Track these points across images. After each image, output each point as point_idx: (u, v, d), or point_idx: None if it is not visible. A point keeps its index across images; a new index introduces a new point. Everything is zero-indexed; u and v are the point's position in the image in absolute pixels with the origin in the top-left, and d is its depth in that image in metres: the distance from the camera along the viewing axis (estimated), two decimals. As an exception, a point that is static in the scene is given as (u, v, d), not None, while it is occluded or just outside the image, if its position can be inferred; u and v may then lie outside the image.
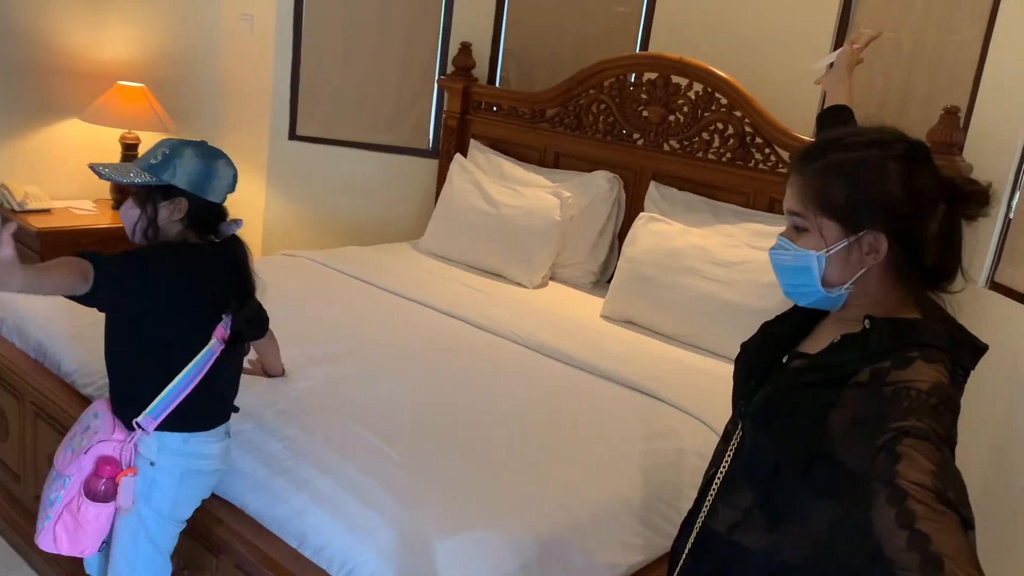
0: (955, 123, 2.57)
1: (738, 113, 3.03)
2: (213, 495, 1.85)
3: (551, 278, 3.29)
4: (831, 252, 1.15)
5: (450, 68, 3.79)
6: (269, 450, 1.88)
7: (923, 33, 2.92)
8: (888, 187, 1.13)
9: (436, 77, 3.90)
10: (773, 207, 2.95)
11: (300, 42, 3.82)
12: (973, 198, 1.16)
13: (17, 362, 2.37)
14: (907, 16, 2.95)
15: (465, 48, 3.71)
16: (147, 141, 3.73)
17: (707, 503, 1.31)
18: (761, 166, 3.01)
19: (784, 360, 1.26)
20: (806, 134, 2.99)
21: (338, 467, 1.82)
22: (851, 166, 1.15)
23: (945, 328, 1.15)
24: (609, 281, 3.13)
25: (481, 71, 3.84)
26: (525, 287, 3.18)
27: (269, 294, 2.77)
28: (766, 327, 1.36)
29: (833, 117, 1.89)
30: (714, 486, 1.30)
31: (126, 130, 3.62)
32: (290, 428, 1.94)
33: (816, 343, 1.25)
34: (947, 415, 1.04)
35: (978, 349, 1.15)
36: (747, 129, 3.02)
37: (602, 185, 3.28)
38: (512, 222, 3.23)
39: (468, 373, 2.38)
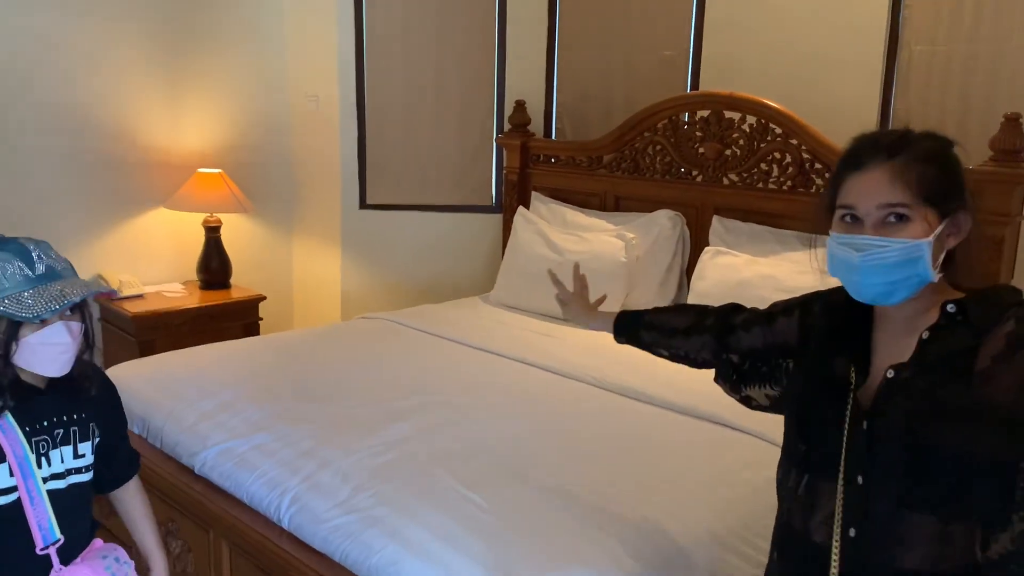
0: (1017, 129, 2.54)
1: (794, 141, 3.05)
2: (311, 548, 1.92)
3: (622, 320, 3.32)
4: (938, 235, 1.18)
5: (507, 126, 3.92)
6: (360, 503, 1.95)
7: (975, 44, 2.91)
8: (962, 170, 1.23)
9: (494, 136, 4.03)
10: (838, 230, 2.94)
11: (364, 116, 4.01)
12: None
13: (123, 438, 2.52)
14: (957, 29, 2.94)
15: (520, 106, 3.84)
16: (228, 223, 3.95)
17: (835, 564, 1.22)
18: (823, 191, 3.01)
19: (886, 375, 1.22)
20: (865, 155, 2.99)
21: (427, 515, 1.87)
22: (937, 154, 1.21)
23: (1002, 287, 1.22)
24: (680, 318, 3.13)
25: (537, 125, 3.96)
26: (600, 330, 3.21)
27: (349, 356, 2.89)
28: (812, 379, 1.34)
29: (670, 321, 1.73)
30: (835, 555, 1.22)
31: (208, 214, 3.84)
32: (377, 480, 2.01)
33: (889, 351, 1.24)
34: None
35: None
36: (805, 156, 3.03)
37: (664, 224, 3.32)
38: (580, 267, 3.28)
39: (547, 416, 2.43)
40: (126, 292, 3.67)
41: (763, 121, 3.12)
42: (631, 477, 2.10)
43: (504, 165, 3.95)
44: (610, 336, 3.29)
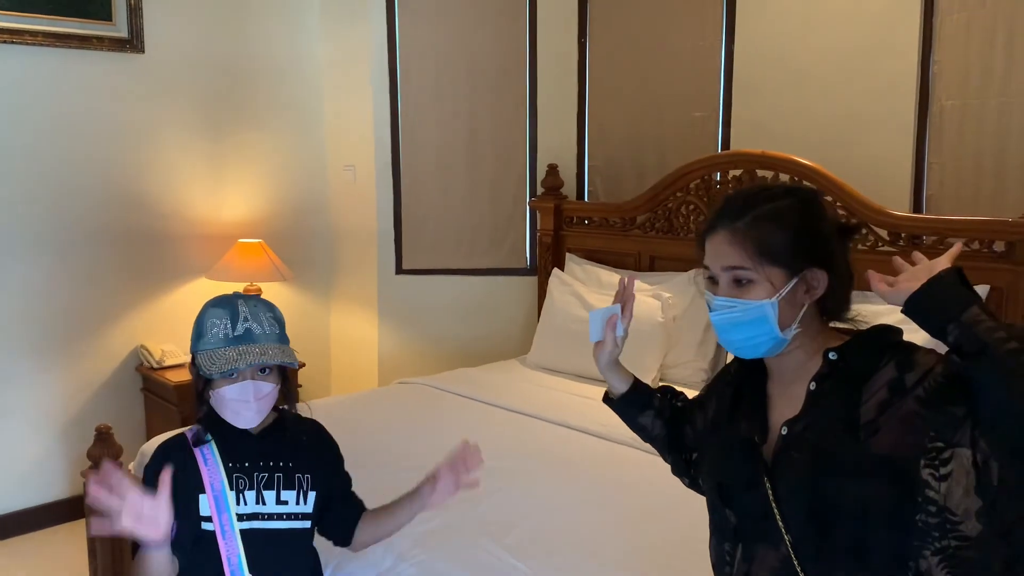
0: (1056, 180, 2.52)
1: (829, 198, 3.05)
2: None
3: (661, 380, 3.30)
4: (783, 296, 1.19)
5: (540, 189, 3.97)
6: (403, 572, 1.93)
7: (1007, 97, 2.91)
8: (819, 226, 1.23)
9: (527, 199, 4.08)
10: (878, 285, 2.92)
11: (399, 183, 4.09)
12: (853, 229, 1.28)
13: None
14: (988, 82, 2.95)
15: (552, 169, 3.89)
16: (268, 291, 4.01)
17: None
18: (860, 247, 3.00)
19: (781, 431, 1.22)
20: (900, 210, 2.99)
21: (472, 584, 1.85)
22: (782, 213, 1.22)
23: (879, 329, 1.23)
24: (720, 377, 3.11)
25: (569, 187, 4.00)
26: (636, 391, 3.19)
27: (389, 422, 2.89)
28: (729, 446, 1.32)
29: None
30: None
31: (248, 283, 3.91)
32: (421, 548, 2.00)
33: (782, 403, 1.26)
34: None
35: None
36: (840, 212, 3.03)
37: (702, 283, 3.31)
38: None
39: (590, 482, 2.40)
40: (168, 362, 3.72)
41: (796, 179, 3.13)
42: (679, 543, 2.06)
43: (538, 228, 3.99)
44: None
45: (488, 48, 4.05)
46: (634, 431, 1.59)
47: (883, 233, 2.95)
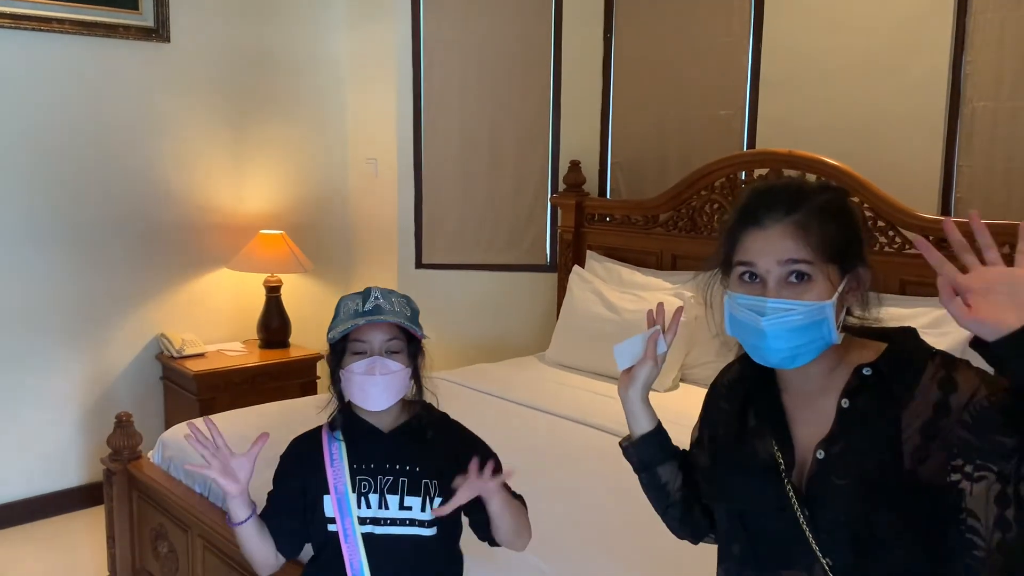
0: (1091, 184, 2.47)
1: (856, 199, 3.01)
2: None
3: (682, 380, 3.28)
4: (840, 294, 1.13)
5: (562, 185, 3.95)
6: (422, 568, 1.92)
7: (1041, 98, 2.86)
8: (859, 222, 1.19)
9: (549, 195, 4.06)
10: (904, 289, 2.88)
11: (420, 178, 4.08)
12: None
13: (185, 497, 2.53)
14: (1022, 84, 2.90)
15: (575, 166, 3.87)
16: (288, 282, 4.01)
17: None
18: (887, 248, 2.96)
19: (816, 455, 1.15)
20: (929, 212, 2.94)
21: (490, 581, 1.84)
22: (835, 208, 1.15)
23: (907, 336, 1.18)
24: (741, 378, 3.08)
25: (591, 184, 3.98)
26: (656, 390, 3.15)
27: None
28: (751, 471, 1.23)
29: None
30: None
31: (269, 274, 3.91)
32: (440, 545, 1.98)
33: (807, 419, 1.18)
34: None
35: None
36: (867, 213, 2.99)
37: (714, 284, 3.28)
38: (636, 327, 3.25)
39: (607, 478, 2.38)
40: (188, 351, 3.73)
41: (823, 179, 3.09)
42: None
43: (559, 224, 3.96)
44: (673, 397, 3.23)
45: (512, 43, 4.03)
46: (650, 490, 1.41)
47: (909, 236, 2.90)
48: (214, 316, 4.02)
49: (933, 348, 1.16)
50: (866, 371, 1.14)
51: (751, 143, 3.57)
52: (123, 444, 2.75)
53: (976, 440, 1.04)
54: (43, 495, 3.57)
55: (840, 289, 1.12)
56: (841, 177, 3.01)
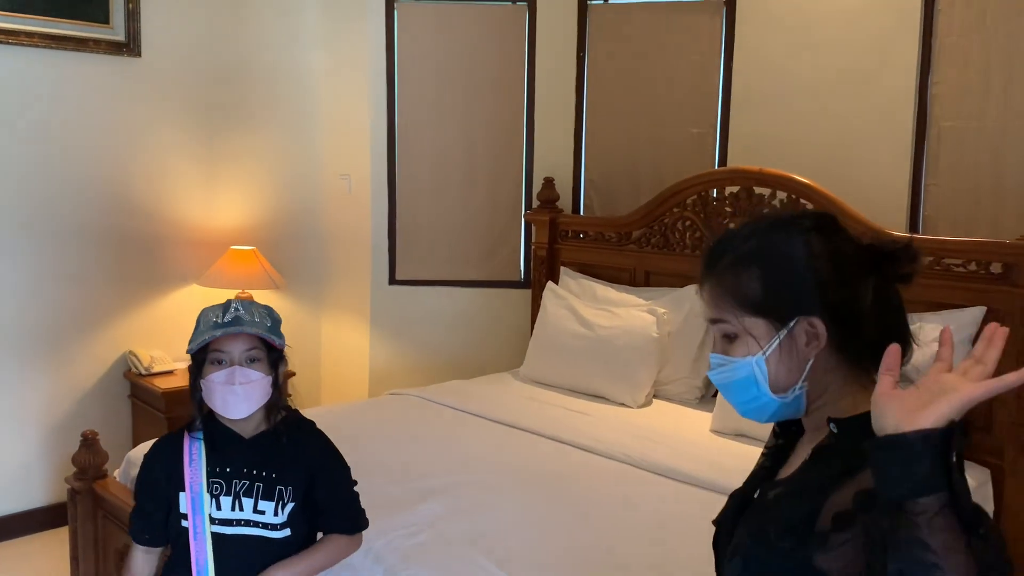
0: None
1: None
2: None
3: (655, 396, 3.28)
4: (768, 353, 1.04)
5: (535, 202, 3.95)
6: (393, 586, 1.90)
7: (1005, 120, 2.91)
8: (807, 264, 1.03)
9: (523, 212, 4.07)
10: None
11: (394, 194, 4.07)
12: (901, 256, 1.05)
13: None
14: (986, 104, 2.95)
15: (548, 182, 3.88)
16: (259, 299, 3.97)
17: None
18: (856, 265, 2.99)
19: (757, 494, 1.10)
20: (897, 230, 2.98)
21: (461, 600, 1.82)
22: (761, 253, 1.05)
23: None
24: (715, 395, 3.10)
25: (565, 201, 3.99)
26: (629, 407, 3.18)
27: (379, 433, 2.86)
28: (734, 495, 1.21)
29: None
30: None
31: (240, 290, 3.87)
32: (411, 562, 1.96)
33: (792, 466, 1.11)
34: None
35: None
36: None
37: (696, 299, 3.29)
38: (610, 343, 3.27)
39: (579, 495, 2.37)
40: (157, 368, 3.68)
41: (794, 196, 3.12)
42: (674, 556, 2.03)
43: (533, 241, 3.97)
44: (646, 413, 3.24)
45: (487, 59, 4.04)
46: None
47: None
48: (184, 333, 3.92)
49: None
50: (833, 427, 1.03)
51: (723, 160, 3.60)
52: (88, 462, 2.69)
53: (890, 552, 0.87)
54: (6, 515, 3.49)
55: (769, 346, 1.03)
56: (810, 194, 3.05)
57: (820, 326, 1.02)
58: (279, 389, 1.71)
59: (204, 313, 1.68)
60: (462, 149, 4.08)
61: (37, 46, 3.40)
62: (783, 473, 1.12)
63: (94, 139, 3.61)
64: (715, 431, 2.93)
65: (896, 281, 1.06)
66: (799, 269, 1.03)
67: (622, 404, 3.19)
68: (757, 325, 1.04)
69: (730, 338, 1.07)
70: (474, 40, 4.03)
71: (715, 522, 1.22)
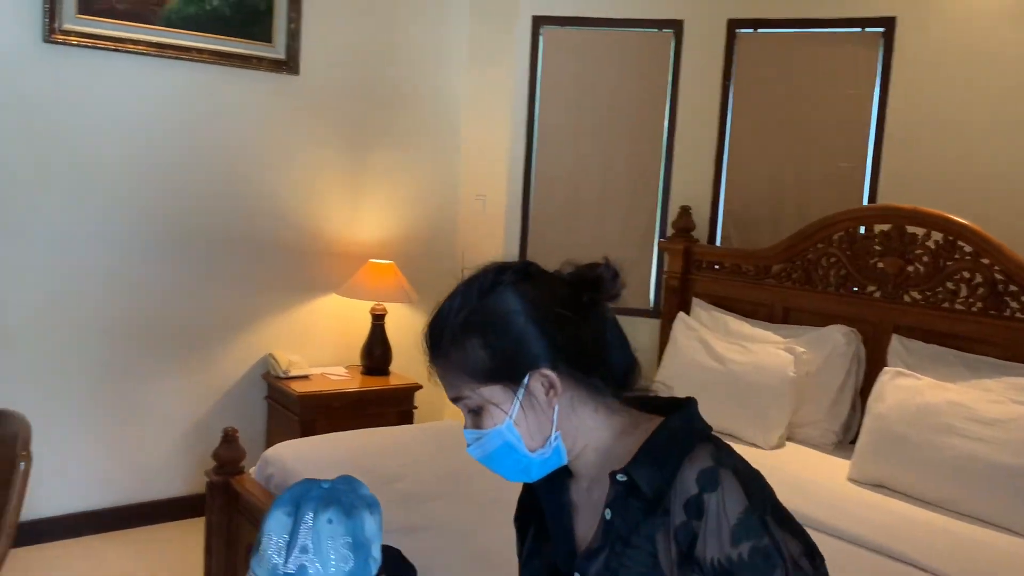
0: None
1: (986, 260, 2.85)
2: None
3: (788, 438, 3.15)
4: (514, 416, 1.03)
5: (670, 230, 3.89)
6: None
7: None
8: (523, 317, 1.04)
9: (656, 239, 4.01)
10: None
11: (528, 215, 4.10)
12: (605, 277, 1.07)
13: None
14: None
15: (685, 211, 3.81)
16: (392, 311, 4.08)
17: None
18: (1018, 315, 2.79)
19: (577, 566, 1.06)
20: (1070, 278, 2.76)
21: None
22: (475, 320, 1.05)
23: (679, 422, 1.05)
24: (853, 442, 2.95)
25: (701, 231, 3.91)
26: (761, 447, 3.06)
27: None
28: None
29: None
30: None
31: (376, 302, 3.99)
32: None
33: (582, 520, 1.09)
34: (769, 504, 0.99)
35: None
36: (998, 276, 2.83)
37: (838, 340, 3.15)
38: (742, 379, 3.16)
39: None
40: (294, 372, 3.83)
41: (950, 238, 2.94)
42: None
43: (665, 269, 3.90)
44: (778, 455, 3.11)
45: (629, 86, 4.03)
46: None
47: (1047, 302, 2.73)
48: (320, 340, 4.11)
49: (704, 433, 1.04)
50: (620, 477, 1.02)
51: (872, 197, 3.45)
52: (228, 458, 2.82)
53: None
54: (148, 502, 3.70)
55: (512, 409, 1.03)
56: (968, 236, 2.87)
57: (551, 375, 1.03)
58: None
59: (270, 523, 1.08)
60: (598, 174, 4.07)
61: (207, 62, 3.63)
62: (581, 527, 1.09)
63: (252, 151, 3.82)
64: (853, 480, 2.78)
65: (607, 302, 1.09)
66: (516, 325, 1.03)
67: (753, 444, 3.08)
68: (494, 392, 1.04)
69: (476, 412, 1.06)
70: (617, 65, 4.03)
71: None
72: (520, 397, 1.04)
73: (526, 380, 1.04)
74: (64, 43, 3.31)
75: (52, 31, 3.27)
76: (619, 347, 1.09)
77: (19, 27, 3.24)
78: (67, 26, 3.30)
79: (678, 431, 1.05)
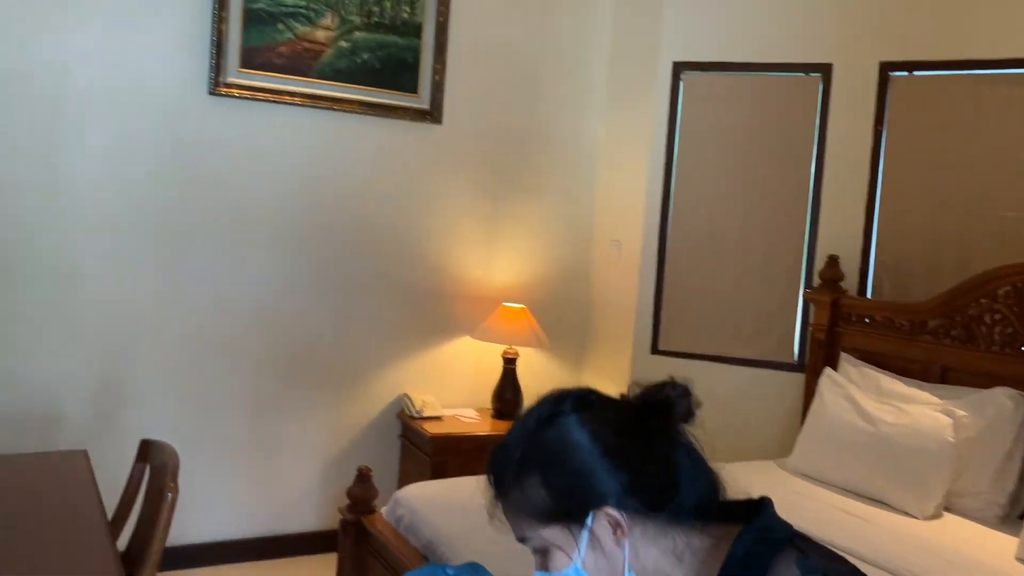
0: None
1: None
2: None
3: (946, 508, 2.90)
4: (583, 557, 0.97)
5: (816, 280, 3.72)
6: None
7: None
8: (580, 454, 0.97)
9: (801, 290, 3.84)
10: None
11: (664, 262, 4.02)
12: (672, 398, 1.00)
13: (411, 559, 2.58)
14: None
15: (832, 260, 3.63)
16: (524, 355, 4.08)
17: None
18: None
19: None
20: None
21: None
22: (534, 457, 0.99)
23: (761, 530, 0.98)
24: (1021, 516, 2.68)
25: (850, 282, 3.71)
26: (914, 517, 2.83)
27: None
28: None
29: None
30: None
31: (508, 346, 4.00)
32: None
33: None
34: None
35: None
36: None
37: (1005, 404, 2.89)
38: (895, 442, 2.95)
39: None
40: (427, 412, 3.88)
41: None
42: None
43: (811, 322, 3.72)
44: (934, 527, 2.88)
45: (772, 132, 3.91)
46: None
47: None
48: (453, 381, 4.16)
49: (782, 540, 0.98)
50: None
51: (1044, 249, 3.17)
52: (361, 497, 2.87)
53: None
54: (282, 535, 3.81)
55: (578, 551, 0.97)
56: None
57: (615, 514, 0.97)
58: None
59: None
60: (739, 221, 3.96)
61: (356, 112, 3.80)
62: None
63: (395, 197, 3.95)
64: (1021, 559, 2.51)
65: (680, 424, 1.01)
66: (576, 460, 0.98)
67: (906, 513, 2.85)
68: (556, 534, 0.99)
69: (542, 553, 1.01)
70: (760, 111, 3.92)
71: None
72: (585, 539, 0.99)
73: (589, 521, 0.99)
74: (227, 95, 3.54)
75: (217, 84, 3.51)
76: (696, 471, 1.04)
77: (188, 81, 3.50)
78: (230, 79, 3.54)
79: (754, 545, 0.99)
